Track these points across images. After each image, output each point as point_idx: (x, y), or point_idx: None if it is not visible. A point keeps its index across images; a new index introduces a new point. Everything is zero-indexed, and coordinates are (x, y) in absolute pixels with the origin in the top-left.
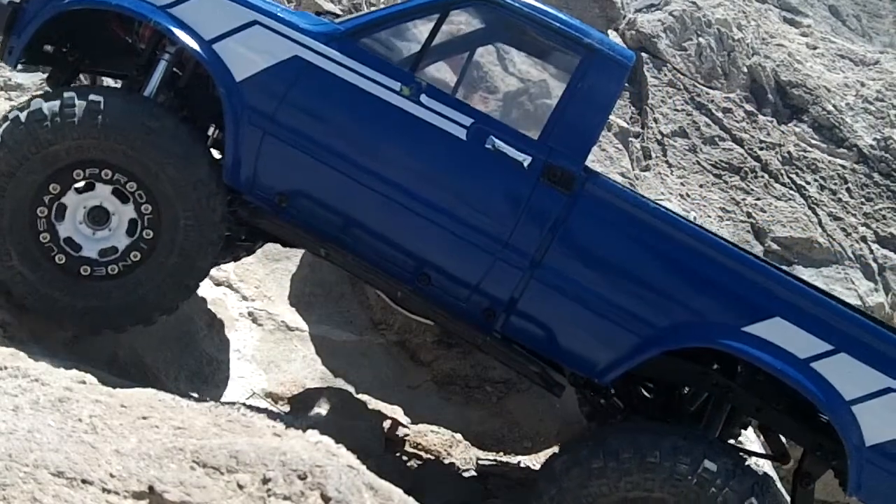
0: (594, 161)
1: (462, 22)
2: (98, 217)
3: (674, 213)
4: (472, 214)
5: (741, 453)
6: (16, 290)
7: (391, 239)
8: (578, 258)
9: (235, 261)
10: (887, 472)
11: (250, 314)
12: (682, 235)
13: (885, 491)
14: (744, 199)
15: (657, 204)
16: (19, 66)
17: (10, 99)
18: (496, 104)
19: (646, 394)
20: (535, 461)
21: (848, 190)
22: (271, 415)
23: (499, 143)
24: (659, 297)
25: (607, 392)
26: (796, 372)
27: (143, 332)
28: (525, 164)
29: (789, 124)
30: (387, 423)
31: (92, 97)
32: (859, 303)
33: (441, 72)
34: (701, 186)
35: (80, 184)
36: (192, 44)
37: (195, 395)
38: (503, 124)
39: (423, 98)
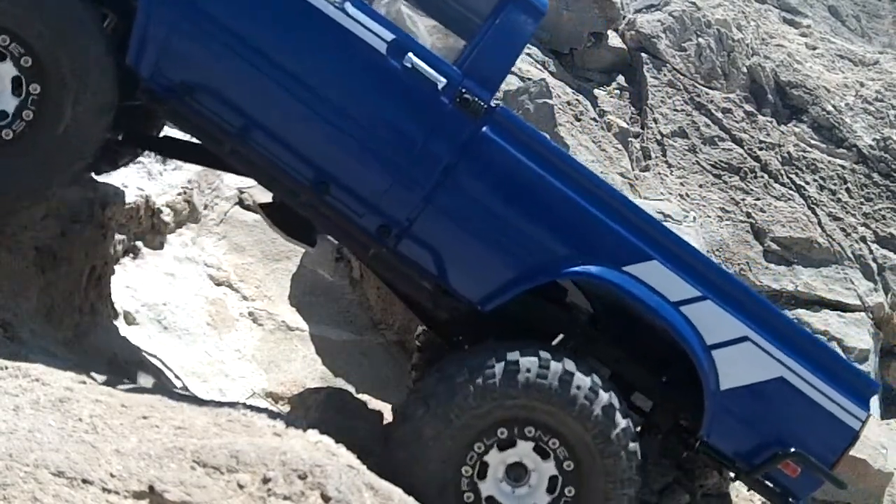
0: (593, 161)
1: None
2: None
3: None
4: (380, 130)
5: None
6: None
7: (294, 145)
8: (479, 187)
9: (114, 168)
10: (736, 417)
11: (250, 314)
12: (577, 175)
13: (733, 434)
14: (743, 199)
15: (555, 143)
16: None
17: None
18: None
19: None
20: None
21: (847, 190)
22: (271, 415)
23: (417, 61)
24: (550, 230)
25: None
26: (670, 312)
27: (142, 332)
28: (440, 86)
29: (789, 124)
30: (387, 423)
31: None
32: (859, 303)
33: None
34: (700, 186)
35: None
36: None
37: (195, 394)
38: (423, 45)
39: (348, 6)
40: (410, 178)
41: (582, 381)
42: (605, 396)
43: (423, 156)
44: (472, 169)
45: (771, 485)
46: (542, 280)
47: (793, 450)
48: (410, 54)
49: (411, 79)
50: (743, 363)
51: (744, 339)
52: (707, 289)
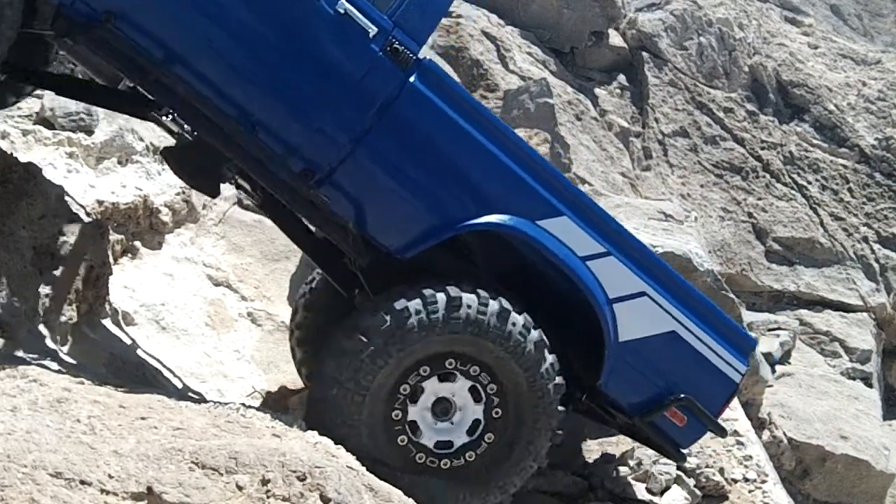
0: (594, 160)
1: None
2: None
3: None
4: (308, 75)
5: None
6: None
7: (221, 82)
8: (402, 137)
9: (3, 107)
10: (631, 367)
11: (250, 314)
12: (498, 131)
13: (628, 384)
14: (745, 199)
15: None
16: None
17: None
18: None
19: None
20: None
21: (849, 190)
22: (270, 416)
23: (350, 7)
24: (470, 181)
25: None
26: (578, 266)
27: (140, 332)
28: (371, 34)
29: (790, 124)
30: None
31: None
32: (861, 303)
33: None
34: (702, 186)
35: None
36: None
37: (194, 395)
38: None
39: None
40: (336, 124)
41: (516, 318)
42: (535, 333)
43: (349, 103)
44: (397, 119)
45: (660, 434)
46: (461, 230)
47: (682, 395)
48: (343, 1)
49: (343, 24)
50: (640, 317)
51: (641, 294)
52: (610, 245)
